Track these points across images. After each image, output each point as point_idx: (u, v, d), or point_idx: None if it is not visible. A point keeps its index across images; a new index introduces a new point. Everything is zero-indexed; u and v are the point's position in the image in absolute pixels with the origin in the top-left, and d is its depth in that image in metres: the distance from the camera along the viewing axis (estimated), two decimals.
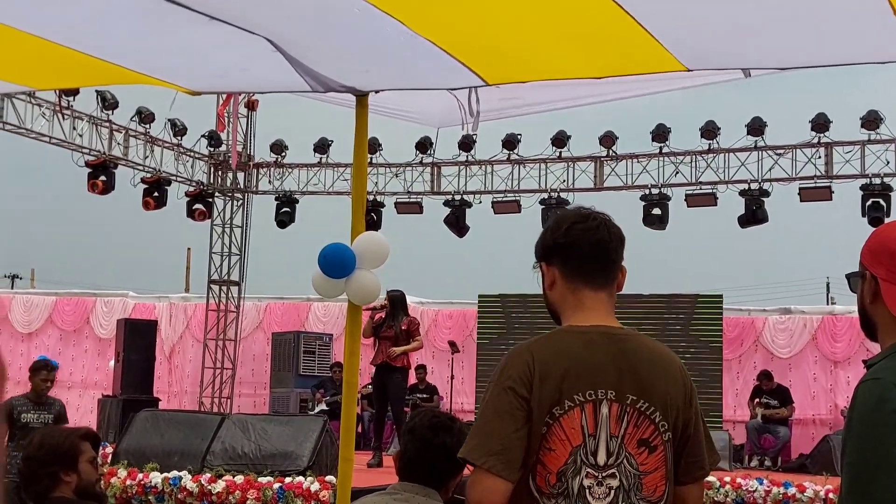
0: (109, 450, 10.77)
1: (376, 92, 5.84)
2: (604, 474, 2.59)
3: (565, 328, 2.75)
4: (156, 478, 9.45)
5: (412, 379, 14.19)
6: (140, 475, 9.56)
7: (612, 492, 2.58)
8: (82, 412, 19.43)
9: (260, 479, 9.06)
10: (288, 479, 8.98)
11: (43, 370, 9.18)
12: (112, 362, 17.56)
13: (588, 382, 2.61)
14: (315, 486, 8.80)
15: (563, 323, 2.78)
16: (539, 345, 2.70)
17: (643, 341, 2.75)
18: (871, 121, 14.84)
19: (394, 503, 3.34)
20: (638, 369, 2.66)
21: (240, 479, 9.16)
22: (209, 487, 9.17)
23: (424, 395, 16.37)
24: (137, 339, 16.87)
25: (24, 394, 9.29)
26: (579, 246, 2.75)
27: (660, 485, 2.62)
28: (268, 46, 4.82)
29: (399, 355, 11.46)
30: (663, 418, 2.64)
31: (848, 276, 2.58)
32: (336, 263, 5.70)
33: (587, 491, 2.57)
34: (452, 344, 15.95)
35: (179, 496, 9.29)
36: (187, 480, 9.32)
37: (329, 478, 8.87)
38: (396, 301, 11.71)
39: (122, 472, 9.60)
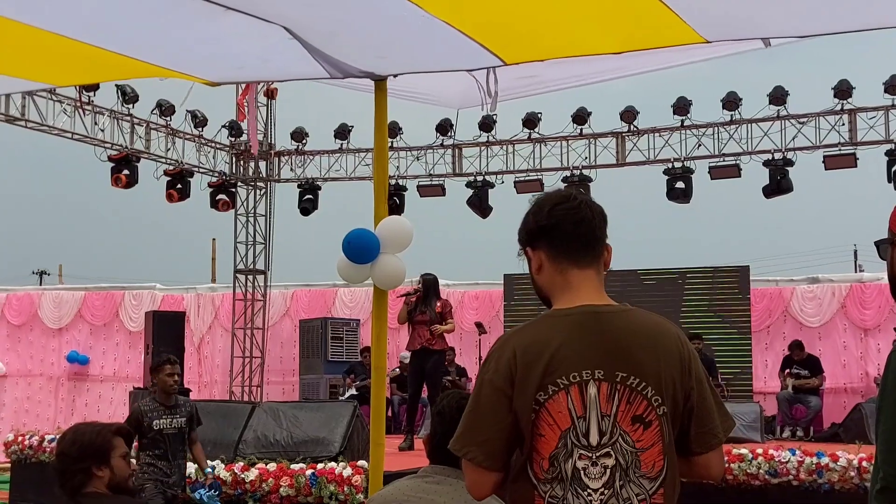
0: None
1: (395, 76, 5.84)
2: (598, 454, 2.57)
3: (549, 313, 2.75)
4: (189, 468, 9.51)
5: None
6: None
7: (608, 471, 2.56)
8: (115, 405, 19.62)
9: (292, 467, 9.11)
10: (320, 466, 9.01)
11: (167, 365, 8.24)
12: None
13: (572, 365, 2.60)
14: (347, 472, 8.84)
15: (553, 306, 2.78)
16: (522, 333, 2.71)
17: (632, 316, 2.71)
18: (895, 85, 14.70)
19: (426, 486, 3.35)
20: (626, 345, 2.63)
21: (272, 466, 9.21)
22: (242, 476, 9.23)
23: (455, 378, 16.39)
24: (166, 330, 16.98)
25: (152, 396, 8.40)
26: (563, 226, 2.74)
27: (658, 460, 2.59)
28: (285, 35, 4.83)
29: (443, 332, 11.46)
30: (657, 393, 2.60)
31: (877, 244, 2.56)
32: (360, 249, 5.72)
33: (582, 473, 2.56)
34: (479, 325, 15.95)
35: None
36: (220, 469, 9.38)
37: (361, 462, 8.90)
38: (430, 285, 11.67)
39: None
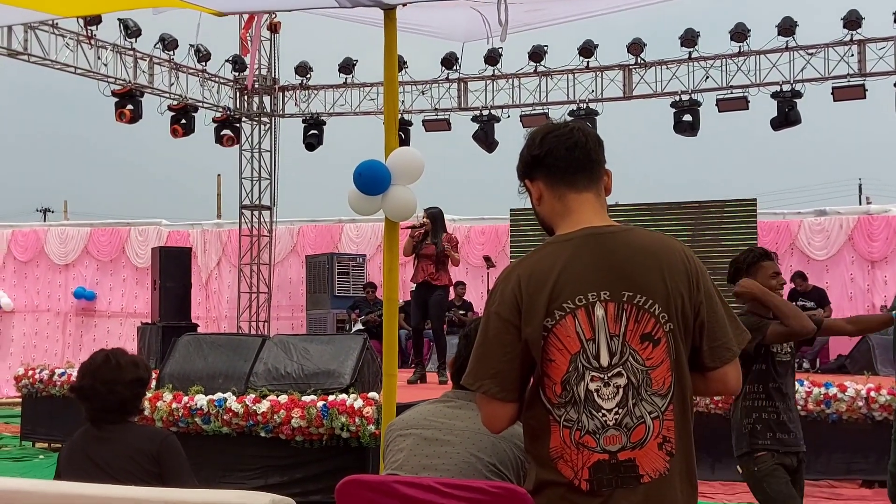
0: (153, 375, 10.91)
1: (404, 4, 5.78)
2: (609, 375, 2.59)
3: (550, 240, 2.76)
4: (201, 400, 9.57)
5: (450, 295, 14.21)
6: (185, 398, 9.68)
7: (621, 390, 2.58)
8: (124, 340, 19.72)
9: (304, 398, 9.15)
10: (331, 397, 9.06)
11: (765, 261, 5.70)
12: None
13: (577, 288, 2.61)
14: (358, 403, 8.88)
15: (556, 233, 2.78)
16: (525, 262, 2.72)
17: (634, 235, 2.71)
18: None
19: (448, 410, 3.37)
20: (630, 264, 2.63)
21: (284, 398, 9.26)
22: (254, 408, 9.28)
23: (462, 312, 16.45)
24: (173, 266, 16.98)
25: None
26: (556, 152, 2.74)
27: (667, 377, 2.61)
28: None
29: (453, 259, 11.44)
30: (664, 310, 2.61)
31: None
32: (372, 180, 5.69)
33: (595, 394, 2.58)
34: (487, 259, 15.96)
35: (225, 417, 9.41)
36: (232, 402, 9.43)
37: (372, 394, 8.95)
38: (437, 217, 11.63)
39: (168, 396, 9.73)
